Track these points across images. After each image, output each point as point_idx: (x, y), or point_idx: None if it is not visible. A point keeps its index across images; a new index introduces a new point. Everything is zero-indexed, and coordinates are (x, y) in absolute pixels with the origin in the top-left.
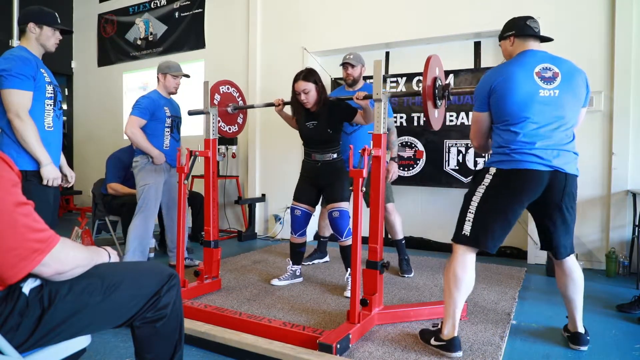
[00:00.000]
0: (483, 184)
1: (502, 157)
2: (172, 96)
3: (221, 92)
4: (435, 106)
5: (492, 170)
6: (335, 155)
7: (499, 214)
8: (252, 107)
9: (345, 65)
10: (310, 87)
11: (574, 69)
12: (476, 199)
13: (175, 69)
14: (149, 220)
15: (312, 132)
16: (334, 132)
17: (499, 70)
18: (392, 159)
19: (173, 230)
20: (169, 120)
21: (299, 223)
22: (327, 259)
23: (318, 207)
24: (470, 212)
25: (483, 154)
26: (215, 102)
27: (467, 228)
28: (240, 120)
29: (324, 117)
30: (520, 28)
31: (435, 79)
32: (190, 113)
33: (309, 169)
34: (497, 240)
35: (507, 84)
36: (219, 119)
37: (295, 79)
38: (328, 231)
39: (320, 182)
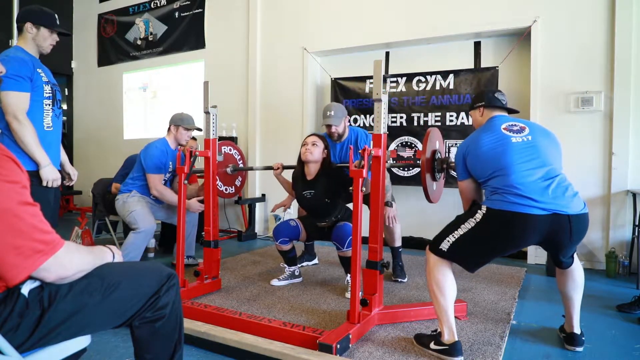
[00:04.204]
0: (474, 219)
1: (496, 197)
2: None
3: (223, 152)
4: (434, 179)
5: (484, 208)
6: (339, 216)
7: (480, 252)
8: (251, 169)
9: (328, 125)
10: (321, 144)
11: (543, 127)
12: (463, 228)
13: (188, 122)
14: (145, 240)
15: (310, 202)
16: (331, 202)
17: (468, 138)
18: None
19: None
20: (168, 175)
21: (285, 232)
22: (316, 261)
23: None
24: (453, 235)
25: None
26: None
27: (445, 246)
28: (238, 183)
29: (321, 186)
30: (489, 100)
31: (434, 152)
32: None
33: (316, 227)
34: (472, 266)
35: (477, 144)
36: (217, 178)
37: (309, 136)
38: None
39: (330, 232)
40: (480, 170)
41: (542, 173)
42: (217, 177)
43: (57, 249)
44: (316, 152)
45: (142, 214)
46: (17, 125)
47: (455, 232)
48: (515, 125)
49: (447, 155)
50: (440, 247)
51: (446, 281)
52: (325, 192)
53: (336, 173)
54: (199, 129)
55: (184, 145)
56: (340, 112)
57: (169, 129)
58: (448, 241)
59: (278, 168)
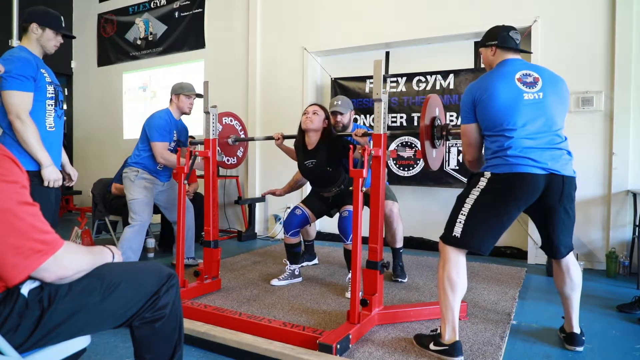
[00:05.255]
0: (478, 187)
1: (497, 162)
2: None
3: (224, 123)
4: (434, 146)
5: (487, 174)
6: (342, 187)
7: (492, 218)
8: (252, 139)
9: (334, 113)
10: (321, 113)
11: (555, 75)
12: (469, 202)
13: (188, 89)
14: (140, 233)
15: (312, 171)
16: (333, 170)
17: (480, 83)
18: None
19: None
20: (173, 144)
21: (295, 222)
22: (316, 261)
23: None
24: (462, 214)
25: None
26: (218, 131)
27: (457, 230)
28: (240, 154)
29: (323, 155)
30: (502, 39)
31: (434, 119)
32: (191, 143)
33: (322, 198)
34: (488, 243)
35: (490, 93)
36: (218, 149)
37: (310, 105)
38: (312, 233)
39: (334, 205)
40: (488, 122)
41: (545, 139)
42: (219, 148)
43: (56, 249)
44: (316, 121)
45: (143, 204)
46: (19, 125)
47: (463, 209)
48: (529, 75)
49: (446, 123)
50: (453, 235)
51: (459, 278)
52: (327, 161)
53: (337, 141)
54: (200, 95)
55: (187, 113)
56: (347, 104)
57: (170, 99)
58: (460, 222)
59: (279, 138)
